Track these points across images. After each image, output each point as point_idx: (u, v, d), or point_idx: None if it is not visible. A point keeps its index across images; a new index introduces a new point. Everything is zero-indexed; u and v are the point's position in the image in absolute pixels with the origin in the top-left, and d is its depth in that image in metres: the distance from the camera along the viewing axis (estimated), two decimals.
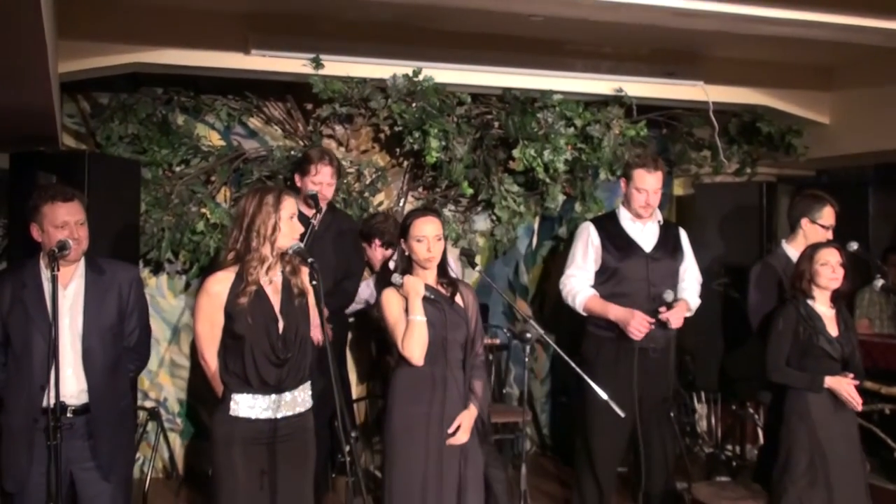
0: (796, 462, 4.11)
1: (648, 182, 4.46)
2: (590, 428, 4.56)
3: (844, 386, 4.08)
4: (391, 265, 4.45)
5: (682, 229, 4.78)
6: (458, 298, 3.72)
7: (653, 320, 4.36)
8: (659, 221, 4.63)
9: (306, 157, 4.57)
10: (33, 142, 4.68)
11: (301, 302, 3.31)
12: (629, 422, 4.26)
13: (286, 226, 3.21)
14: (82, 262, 3.49)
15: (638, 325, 4.34)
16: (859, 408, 4.11)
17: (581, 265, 4.57)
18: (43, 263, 3.38)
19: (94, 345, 3.41)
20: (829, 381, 4.10)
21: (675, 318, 4.44)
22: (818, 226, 4.59)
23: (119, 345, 3.53)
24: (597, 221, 4.69)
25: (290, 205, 3.24)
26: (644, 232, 4.59)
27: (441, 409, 3.59)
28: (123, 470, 3.57)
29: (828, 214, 4.61)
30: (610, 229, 4.59)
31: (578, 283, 4.56)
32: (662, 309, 4.41)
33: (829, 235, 4.56)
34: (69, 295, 3.42)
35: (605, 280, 4.56)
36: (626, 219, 4.60)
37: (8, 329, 3.38)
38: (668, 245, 4.63)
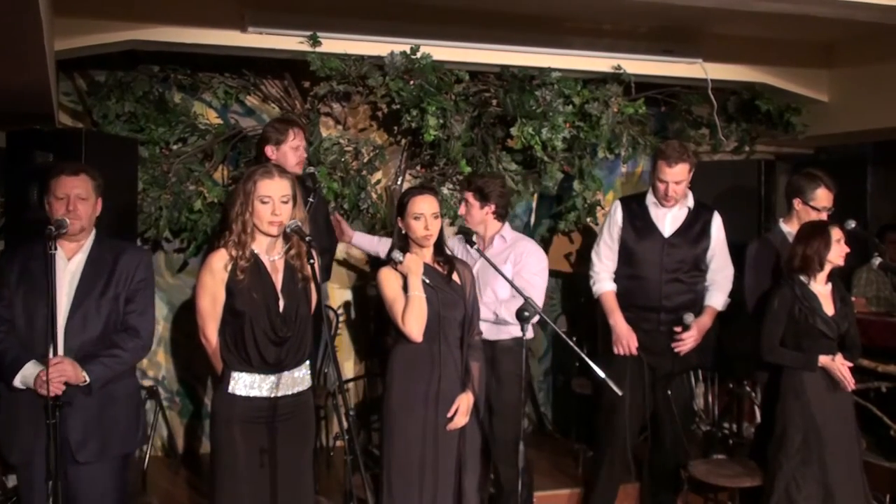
0: (791, 440, 4.14)
1: (667, 174, 4.45)
2: (605, 406, 4.62)
3: (838, 366, 4.10)
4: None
5: (716, 214, 4.69)
6: (455, 276, 3.73)
7: (635, 352, 4.50)
8: (689, 207, 4.63)
9: (276, 128, 4.44)
10: (30, 120, 4.67)
11: (304, 285, 3.33)
12: (642, 400, 4.35)
13: (260, 207, 3.21)
14: (91, 239, 3.48)
15: (624, 347, 4.51)
16: (851, 387, 4.13)
17: (609, 243, 4.65)
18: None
19: (76, 320, 3.37)
20: (823, 361, 4.12)
21: (686, 345, 4.52)
22: (810, 207, 4.55)
23: (111, 325, 3.45)
24: (625, 200, 4.75)
25: (265, 186, 3.22)
26: (668, 216, 4.60)
27: (438, 387, 3.61)
28: (116, 452, 3.48)
29: (821, 196, 4.55)
30: (635, 209, 4.63)
31: (604, 272, 4.64)
32: (678, 329, 4.51)
33: (823, 217, 4.54)
34: (70, 269, 3.41)
35: (622, 261, 4.63)
36: (651, 201, 4.62)
37: (14, 301, 3.36)
38: (691, 231, 4.61)
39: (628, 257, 4.60)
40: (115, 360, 3.40)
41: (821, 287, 4.22)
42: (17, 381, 3.28)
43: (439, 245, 3.75)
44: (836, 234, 4.18)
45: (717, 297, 4.63)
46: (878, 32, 5.22)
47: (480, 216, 4.38)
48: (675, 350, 4.52)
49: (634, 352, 4.49)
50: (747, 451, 4.98)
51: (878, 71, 5.75)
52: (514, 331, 4.20)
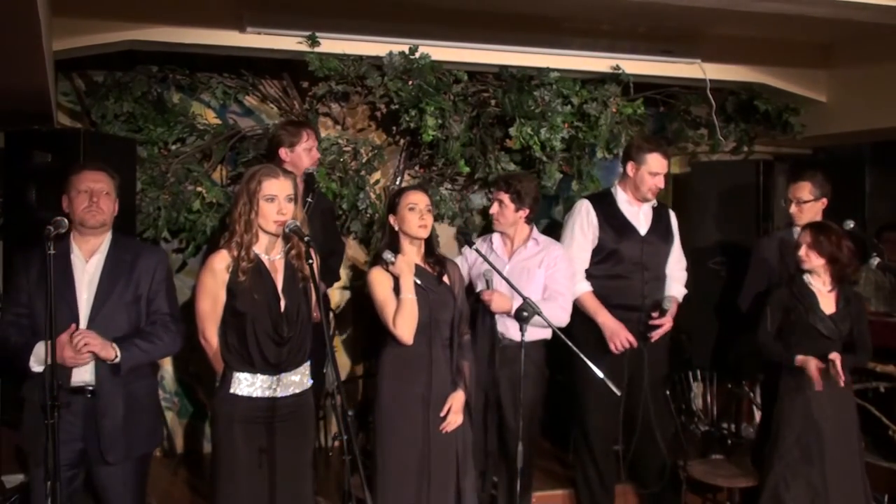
0: (783, 439, 4.14)
1: (662, 166, 4.48)
2: (585, 407, 4.59)
3: (811, 365, 4.07)
4: None
5: (671, 211, 4.79)
6: (444, 277, 3.72)
7: (634, 342, 4.43)
8: (653, 205, 4.65)
9: (289, 130, 4.47)
10: (28, 120, 4.66)
11: (304, 285, 3.32)
12: (623, 399, 4.32)
13: (266, 206, 3.22)
14: (108, 238, 3.49)
15: (622, 341, 4.43)
16: (819, 387, 4.06)
17: (583, 244, 4.55)
18: (72, 236, 3.40)
19: (100, 322, 3.37)
20: (799, 360, 4.10)
21: (663, 330, 4.51)
22: (797, 202, 4.61)
23: (134, 326, 3.46)
24: (593, 200, 4.67)
25: (270, 185, 3.23)
26: (639, 215, 4.61)
27: (428, 389, 3.60)
28: (139, 452, 3.51)
29: (796, 190, 4.62)
30: (606, 209, 4.59)
31: (579, 273, 4.54)
32: (655, 314, 4.50)
33: (822, 205, 4.57)
34: (90, 269, 3.42)
35: (601, 261, 4.56)
36: (622, 200, 4.60)
37: (35, 303, 3.36)
38: (660, 228, 4.66)
39: (608, 257, 4.55)
40: (152, 345, 3.44)
41: (821, 286, 4.20)
42: (33, 362, 3.28)
43: (430, 245, 3.74)
44: (804, 237, 4.19)
45: (679, 288, 4.69)
46: (877, 33, 5.22)
47: (514, 218, 4.38)
48: (650, 335, 4.50)
49: (635, 343, 4.45)
50: (745, 451, 4.99)
51: (876, 71, 5.75)
52: (540, 332, 4.22)
